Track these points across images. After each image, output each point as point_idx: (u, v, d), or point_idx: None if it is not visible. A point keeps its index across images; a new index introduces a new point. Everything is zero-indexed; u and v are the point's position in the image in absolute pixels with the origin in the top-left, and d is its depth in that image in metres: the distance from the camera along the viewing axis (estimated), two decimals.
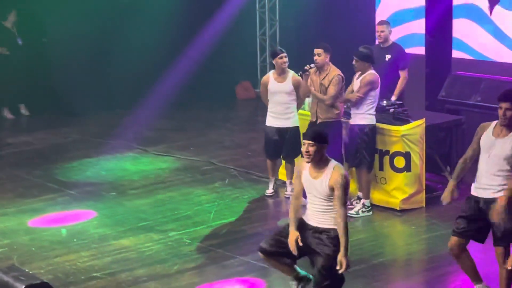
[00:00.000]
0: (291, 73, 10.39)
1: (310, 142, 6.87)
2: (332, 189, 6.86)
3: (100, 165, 12.59)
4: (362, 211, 9.87)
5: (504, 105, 7.05)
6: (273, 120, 10.48)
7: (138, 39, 16.40)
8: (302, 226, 7.13)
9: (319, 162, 6.94)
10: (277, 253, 7.25)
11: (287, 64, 10.38)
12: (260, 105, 13.55)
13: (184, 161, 12.73)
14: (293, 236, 7.02)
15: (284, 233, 7.22)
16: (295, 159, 8.18)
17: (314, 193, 7.04)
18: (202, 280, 8.51)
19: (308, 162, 7.00)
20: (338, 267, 6.81)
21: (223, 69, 16.93)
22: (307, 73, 10.00)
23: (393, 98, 11.03)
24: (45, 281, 8.00)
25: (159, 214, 10.46)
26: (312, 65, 9.99)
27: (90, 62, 16.37)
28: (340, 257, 6.80)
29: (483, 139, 7.34)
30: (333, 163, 7.01)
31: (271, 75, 10.51)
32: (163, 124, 15.19)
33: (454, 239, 7.34)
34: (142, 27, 16.37)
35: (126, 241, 9.60)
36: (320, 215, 7.00)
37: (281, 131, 10.46)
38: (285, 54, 10.41)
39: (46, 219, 10.53)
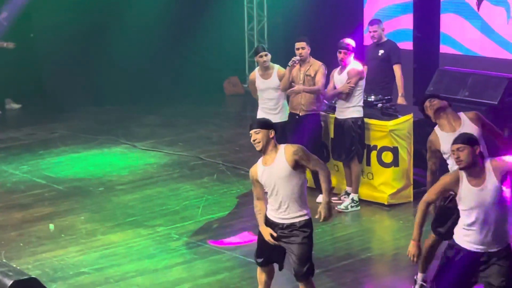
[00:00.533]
0: (276, 68, 10.38)
1: (256, 130, 6.88)
2: (295, 164, 6.82)
3: (88, 160, 12.60)
4: (351, 206, 9.89)
5: (455, 146, 6.42)
6: (264, 114, 10.39)
7: (127, 35, 16.39)
8: (269, 227, 7.19)
9: (270, 149, 6.93)
10: (270, 261, 7.27)
11: (267, 63, 10.36)
12: (248, 100, 13.64)
13: (172, 156, 12.75)
14: (266, 231, 7.05)
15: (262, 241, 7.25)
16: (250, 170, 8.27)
17: (277, 184, 6.96)
18: (190, 276, 8.52)
19: (260, 151, 6.98)
20: (317, 216, 6.84)
21: (211, 64, 16.97)
22: (295, 64, 10.05)
23: (400, 93, 11.11)
24: (33, 276, 8.20)
25: (147, 209, 10.47)
26: (298, 58, 10.01)
27: (78, 57, 16.40)
28: (322, 206, 6.81)
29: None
30: (283, 145, 7.02)
31: (257, 73, 10.54)
32: (151, 119, 15.20)
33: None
34: (131, 23, 16.36)
35: (114, 236, 9.61)
36: (283, 212, 6.98)
37: (277, 126, 10.35)
38: (265, 53, 10.39)
39: (34, 215, 10.54)
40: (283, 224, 6.97)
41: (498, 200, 6.14)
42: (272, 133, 6.96)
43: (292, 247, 6.95)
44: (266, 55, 10.32)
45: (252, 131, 7.08)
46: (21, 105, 15.96)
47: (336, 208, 9.68)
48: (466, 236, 6.35)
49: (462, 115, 7.55)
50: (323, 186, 6.80)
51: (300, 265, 6.95)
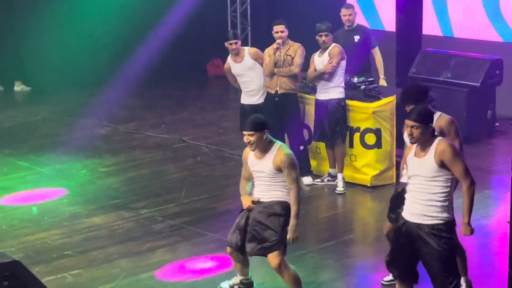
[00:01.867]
0: (246, 50, 10.61)
1: (250, 132, 6.96)
2: (278, 169, 6.99)
3: (71, 143, 12.63)
4: (342, 186, 10.07)
5: (410, 123, 6.51)
6: (247, 98, 10.64)
7: (108, 16, 16.29)
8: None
9: (264, 147, 7.03)
10: (241, 242, 7.42)
11: (237, 50, 10.54)
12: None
13: (155, 139, 12.82)
14: (247, 199, 7.16)
15: (239, 222, 7.29)
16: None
17: (261, 175, 7.15)
18: (174, 257, 8.61)
19: (253, 151, 7.10)
20: (288, 237, 6.98)
21: (194, 47, 17.02)
22: (280, 48, 10.19)
23: (381, 76, 11.22)
24: (16, 259, 8.24)
25: (130, 192, 10.57)
26: (280, 42, 10.16)
27: (59, 39, 16.36)
28: (289, 229, 6.91)
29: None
30: (277, 144, 7.12)
31: (230, 60, 10.70)
32: (133, 102, 15.27)
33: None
34: (112, 5, 16.23)
35: (98, 219, 9.68)
36: (266, 192, 7.11)
37: (255, 108, 10.58)
38: (235, 40, 10.57)
39: (16, 197, 10.58)
40: (264, 202, 7.10)
41: (431, 176, 6.23)
42: (266, 134, 7.04)
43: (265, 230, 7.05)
44: (236, 43, 10.55)
45: (245, 132, 7.14)
46: (30, 87, 16.11)
47: (336, 192, 9.91)
48: (405, 205, 6.51)
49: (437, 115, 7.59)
50: (293, 209, 6.90)
51: (266, 248, 7.01)
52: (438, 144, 6.19)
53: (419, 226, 6.33)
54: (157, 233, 9.27)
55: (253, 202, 7.27)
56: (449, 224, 6.31)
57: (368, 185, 10.28)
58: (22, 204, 10.26)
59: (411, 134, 6.23)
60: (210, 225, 9.45)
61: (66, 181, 11.04)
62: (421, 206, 6.32)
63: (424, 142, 6.22)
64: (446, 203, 6.29)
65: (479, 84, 12.11)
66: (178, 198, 10.27)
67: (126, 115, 14.29)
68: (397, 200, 7.21)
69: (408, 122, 6.23)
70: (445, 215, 6.26)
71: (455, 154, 6.13)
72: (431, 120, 6.24)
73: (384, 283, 7.67)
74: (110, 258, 8.61)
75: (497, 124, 12.26)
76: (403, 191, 6.88)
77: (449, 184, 6.26)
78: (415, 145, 6.43)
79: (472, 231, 6.30)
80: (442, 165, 6.15)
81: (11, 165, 11.76)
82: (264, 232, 7.15)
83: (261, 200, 7.25)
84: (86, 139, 12.87)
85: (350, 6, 11.66)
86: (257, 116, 7.66)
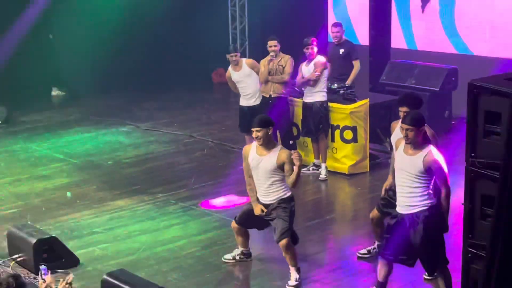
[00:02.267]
0: (243, 60, 10.54)
1: (257, 128, 6.90)
2: (280, 166, 6.90)
3: (99, 139, 12.56)
4: (325, 174, 10.03)
5: (404, 126, 6.30)
6: (245, 101, 10.56)
7: (132, 33, 16.18)
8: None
9: (268, 143, 6.96)
10: (247, 226, 7.38)
11: (236, 62, 10.44)
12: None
13: (169, 135, 12.70)
14: (258, 207, 7.10)
15: (249, 212, 7.27)
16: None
17: (261, 171, 7.06)
18: (185, 233, 8.57)
19: (260, 145, 6.99)
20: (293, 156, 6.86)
21: (201, 58, 16.85)
22: (273, 59, 10.16)
23: (348, 82, 11.12)
24: (54, 235, 8.24)
25: (149, 179, 10.52)
26: (273, 55, 10.12)
27: (87, 50, 15.96)
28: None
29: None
30: (279, 146, 7.07)
31: (230, 69, 10.63)
32: (150, 104, 15.13)
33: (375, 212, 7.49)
34: (135, 24, 16.13)
35: (121, 202, 9.64)
36: (268, 190, 7.04)
37: (252, 109, 10.54)
38: (235, 53, 10.52)
39: (54, 184, 10.57)
40: (269, 204, 7.03)
41: (415, 174, 6.16)
42: (270, 130, 6.99)
43: (275, 221, 7.04)
44: (236, 55, 10.48)
45: (253, 129, 7.05)
46: (65, 92, 16.07)
47: (319, 179, 9.86)
48: (397, 201, 6.40)
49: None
50: (295, 172, 6.71)
51: (279, 235, 6.99)
52: (428, 155, 6.16)
53: (407, 215, 6.25)
54: (171, 213, 9.23)
55: (262, 210, 7.17)
56: (433, 209, 6.21)
57: (346, 173, 10.22)
58: (59, 190, 10.23)
59: (406, 136, 6.13)
60: (215, 207, 9.41)
61: (95, 171, 11.00)
62: (405, 199, 6.27)
63: (416, 142, 6.13)
64: (426, 193, 6.19)
65: (438, 89, 12.03)
66: (188, 185, 10.21)
67: (144, 115, 14.16)
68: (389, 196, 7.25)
69: (404, 126, 6.13)
70: (427, 202, 6.18)
71: (440, 167, 6.06)
72: (423, 123, 6.14)
73: (359, 255, 7.64)
74: (132, 234, 8.62)
75: (453, 122, 12.22)
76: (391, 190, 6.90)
77: (429, 183, 6.19)
78: (403, 140, 6.43)
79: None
80: (427, 170, 6.08)
81: (49, 157, 11.71)
82: (278, 222, 7.04)
83: (266, 203, 7.13)
84: (112, 135, 12.80)
85: (339, 25, 11.50)
86: (263, 115, 7.58)
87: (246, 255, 7.75)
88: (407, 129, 6.07)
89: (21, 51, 15.58)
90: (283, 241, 7.05)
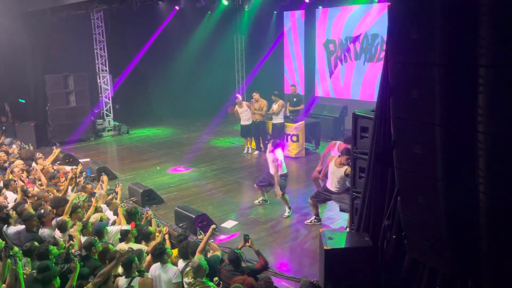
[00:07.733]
0: (244, 102, 12.36)
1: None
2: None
3: (190, 149, 13.79)
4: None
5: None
6: (243, 122, 12.60)
7: (171, 80, 17.53)
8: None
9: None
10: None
11: (240, 103, 12.36)
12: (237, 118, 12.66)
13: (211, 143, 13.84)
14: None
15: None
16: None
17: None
18: (218, 191, 9.86)
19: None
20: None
21: (222, 100, 18.23)
22: (253, 101, 12.08)
23: (287, 112, 12.69)
24: (151, 188, 9.47)
25: (202, 163, 12.00)
26: (254, 100, 12.04)
27: (169, 87, 17.68)
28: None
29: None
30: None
31: (236, 107, 12.51)
32: (201, 123, 16.62)
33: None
34: (174, 69, 17.37)
35: (186, 172, 11.76)
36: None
37: (246, 126, 12.61)
38: (239, 99, 12.31)
39: (150, 161, 12.56)
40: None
41: (339, 178, 7.45)
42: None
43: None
44: (239, 100, 12.26)
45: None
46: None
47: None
48: (328, 185, 7.28)
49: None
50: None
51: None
52: (347, 169, 7.08)
53: (333, 192, 7.27)
54: (208, 178, 11.16)
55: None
56: (347, 190, 6.91)
57: (293, 156, 12.13)
58: (153, 165, 12.11)
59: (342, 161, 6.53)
60: (236, 174, 11.14)
61: (170, 155, 12.75)
62: (332, 188, 7.33)
63: (341, 162, 7.06)
64: (343, 184, 7.30)
65: (338, 116, 14.39)
66: (218, 163, 11.95)
67: (216, 131, 15.23)
68: (321, 192, 7.64)
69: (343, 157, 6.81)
70: (344, 188, 7.27)
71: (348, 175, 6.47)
72: (348, 154, 6.57)
73: (307, 223, 8.10)
74: (189, 187, 10.50)
75: (345, 132, 13.40)
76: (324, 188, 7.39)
77: (344, 181, 7.16)
78: (335, 158, 7.28)
79: None
80: (345, 176, 6.97)
81: (147, 150, 13.50)
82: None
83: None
84: (196, 144, 14.27)
85: (293, 85, 13.73)
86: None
87: (265, 200, 8.25)
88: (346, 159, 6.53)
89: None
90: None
